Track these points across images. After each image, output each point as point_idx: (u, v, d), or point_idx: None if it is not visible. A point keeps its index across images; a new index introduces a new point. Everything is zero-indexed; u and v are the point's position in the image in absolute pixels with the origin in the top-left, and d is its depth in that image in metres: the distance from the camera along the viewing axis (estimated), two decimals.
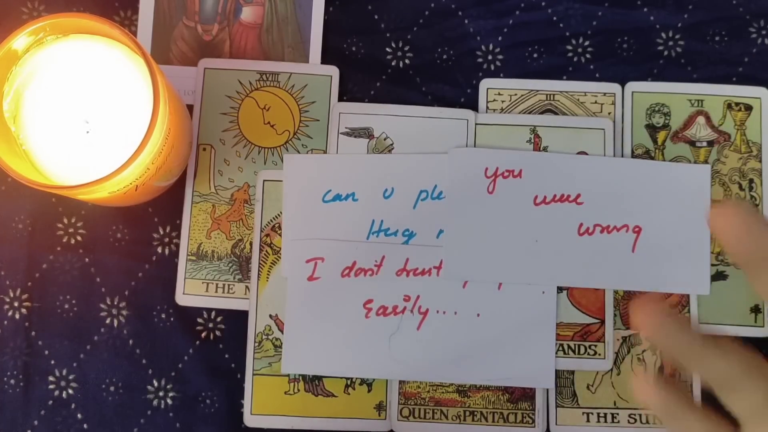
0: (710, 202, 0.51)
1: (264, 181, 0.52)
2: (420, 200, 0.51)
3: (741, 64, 0.54)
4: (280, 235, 0.51)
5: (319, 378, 0.51)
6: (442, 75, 0.54)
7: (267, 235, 0.52)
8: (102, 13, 0.45)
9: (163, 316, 0.51)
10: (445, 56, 0.54)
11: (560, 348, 0.51)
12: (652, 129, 0.53)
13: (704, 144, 0.53)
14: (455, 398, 0.51)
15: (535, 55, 0.54)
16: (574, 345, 0.51)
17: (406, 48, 0.54)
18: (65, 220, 0.52)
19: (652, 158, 0.52)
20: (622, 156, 0.52)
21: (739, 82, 0.53)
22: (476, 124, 0.52)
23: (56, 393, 0.51)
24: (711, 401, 0.38)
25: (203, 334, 0.51)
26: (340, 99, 0.53)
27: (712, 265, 0.51)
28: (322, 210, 0.51)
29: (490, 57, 0.54)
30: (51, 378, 0.51)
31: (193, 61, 0.53)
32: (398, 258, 0.51)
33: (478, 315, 0.51)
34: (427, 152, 0.52)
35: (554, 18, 0.54)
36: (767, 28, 0.54)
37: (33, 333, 0.51)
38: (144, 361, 0.51)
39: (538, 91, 0.53)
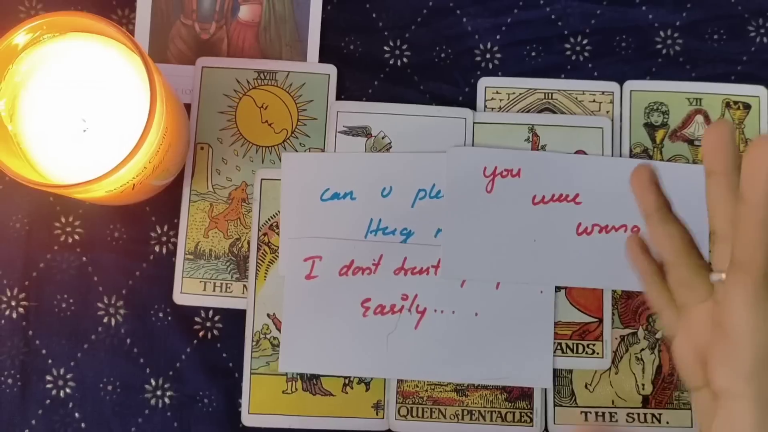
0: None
1: (262, 179, 0.52)
2: (418, 199, 0.51)
3: (740, 62, 0.53)
4: (277, 233, 0.51)
5: (317, 377, 0.51)
6: (440, 73, 0.54)
7: (265, 234, 0.52)
8: (99, 12, 0.45)
9: (161, 315, 0.51)
10: (443, 55, 0.54)
11: (558, 347, 0.51)
12: (651, 128, 0.53)
13: None
14: (453, 397, 0.51)
15: (534, 54, 0.54)
16: (573, 344, 0.51)
17: (404, 46, 0.54)
18: (62, 219, 0.52)
19: (651, 157, 0.52)
20: (621, 155, 0.52)
21: (738, 81, 0.53)
22: (474, 122, 0.52)
23: (54, 392, 0.51)
24: None
25: (201, 333, 0.51)
26: (338, 98, 0.53)
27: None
28: (319, 209, 0.51)
29: (488, 55, 0.54)
30: (48, 377, 0.51)
31: (191, 60, 0.53)
32: (396, 257, 0.51)
33: (476, 314, 0.50)
34: (425, 151, 0.52)
35: (552, 16, 0.54)
36: (766, 26, 0.54)
37: (30, 332, 0.51)
38: (141, 361, 0.51)
39: (536, 89, 0.53)
